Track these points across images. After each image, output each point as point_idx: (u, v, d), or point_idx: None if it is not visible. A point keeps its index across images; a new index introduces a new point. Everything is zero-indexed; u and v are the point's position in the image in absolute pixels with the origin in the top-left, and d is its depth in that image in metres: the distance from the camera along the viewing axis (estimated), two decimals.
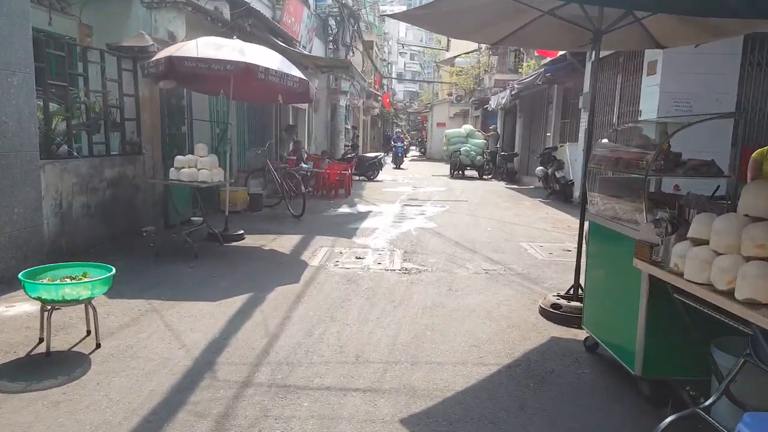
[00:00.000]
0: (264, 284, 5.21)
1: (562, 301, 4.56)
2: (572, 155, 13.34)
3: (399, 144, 25.01)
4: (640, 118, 8.99)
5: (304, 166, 12.47)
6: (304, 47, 13.91)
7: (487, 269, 6.13)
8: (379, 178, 17.97)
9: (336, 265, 6.10)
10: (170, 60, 6.17)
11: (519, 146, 18.85)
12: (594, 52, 4.56)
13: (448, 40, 36.64)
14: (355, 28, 18.47)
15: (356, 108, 26.77)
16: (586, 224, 4.19)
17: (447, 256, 6.73)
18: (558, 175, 12.60)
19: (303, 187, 9.14)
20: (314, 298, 4.87)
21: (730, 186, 4.08)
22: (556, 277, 5.89)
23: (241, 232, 7.33)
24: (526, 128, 18.49)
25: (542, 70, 12.62)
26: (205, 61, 6.17)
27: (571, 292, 4.68)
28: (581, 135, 11.90)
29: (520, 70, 21.09)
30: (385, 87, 45.45)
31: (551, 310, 4.50)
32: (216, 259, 6.22)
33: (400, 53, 67.05)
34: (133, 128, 7.13)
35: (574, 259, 4.72)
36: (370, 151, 25.66)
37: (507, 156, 18.36)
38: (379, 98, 31.44)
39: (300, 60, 11.64)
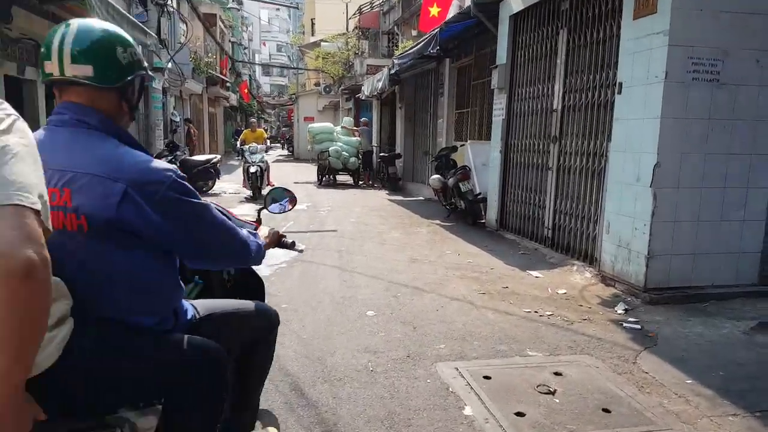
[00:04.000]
0: None
1: None
2: (478, 158, 9.51)
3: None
4: (618, 94, 5.18)
5: None
6: None
7: None
8: (216, 188, 13.00)
9: None
10: None
11: (402, 145, 14.89)
12: None
13: (313, 23, 32.15)
14: None
15: (196, 97, 21.26)
16: None
17: None
18: (463, 188, 8.67)
19: None
20: None
21: None
22: None
23: None
24: (409, 121, 14.57)
25: (436, 31, 8.63)
26: None
27: None
28: (498, 128, 8.04)
29: (396, 52, 17.23)
30: (244, 76, 39.93)
31: None
32: None
33: (262, 41, 61.41)
34: None
35: None
36: (216, 152, 20.33)
37: (388, 158, 14.30)
38: (228, 85, 25.97)
39: None
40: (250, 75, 49.51)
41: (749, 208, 4.86)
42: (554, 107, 6.65)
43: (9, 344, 0.99)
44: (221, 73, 23.54)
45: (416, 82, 13.72)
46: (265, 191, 11.04)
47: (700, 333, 4.14)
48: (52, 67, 1.43)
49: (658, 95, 4.60)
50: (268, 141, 15.41)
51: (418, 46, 9.47)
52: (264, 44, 64.07)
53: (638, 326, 4.27)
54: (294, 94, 32.04)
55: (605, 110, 5.61)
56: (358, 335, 3.99)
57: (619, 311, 4.62)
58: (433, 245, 7.30)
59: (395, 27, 19.75)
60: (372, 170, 15.75)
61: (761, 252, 4.94)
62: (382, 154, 14.69)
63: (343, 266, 6.04)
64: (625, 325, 4.30)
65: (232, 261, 1.85)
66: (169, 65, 14.65)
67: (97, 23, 1.50)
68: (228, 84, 25.73)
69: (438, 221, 9.19)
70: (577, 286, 5.39)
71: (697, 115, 4.63)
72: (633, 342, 3.98)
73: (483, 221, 8.71)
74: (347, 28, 24.73)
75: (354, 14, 22.14)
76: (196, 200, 1.50)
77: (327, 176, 15.67)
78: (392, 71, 11.30)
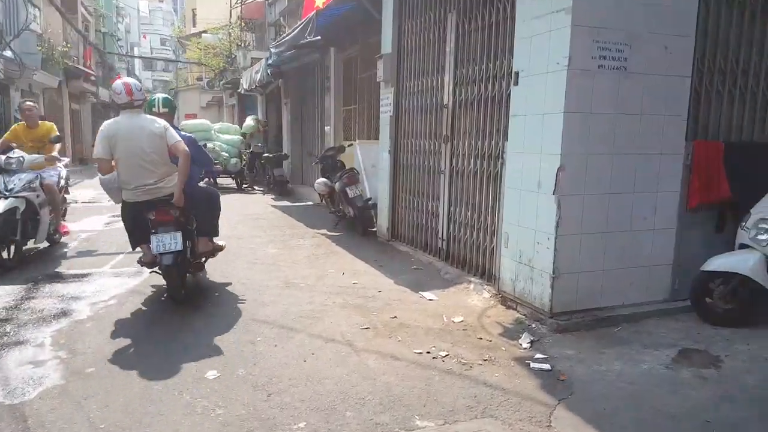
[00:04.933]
0: None
1: None
2: (367, 159, 8.61)
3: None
4: (515, 86, 4.43)
5: None
6: None
7: None
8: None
9: None
10: None
11: (289, 144, 13.68)
12: None
13: (194, 13, 29.78)
14: None
15: (53, 91, 18.53)
16: None
17: None
18: (351, 193, 7.70)
19: None
20: None
21: None
22: None
23: None
24: (296, 119, 13.41)
25: (313, 15, 7.57)
26: None
27: None
28: (386, 126, 7.16)
29: None
30: (120, 70, 36.58)
31: None
32: None
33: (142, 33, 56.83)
34: None
35: None
36: (81, 154, 17.77)
37: (273, 159, 13.01)
38: (94, 78, 23.12)
39: None
40: (128, 69, 45.64)
41: (659, 215, 4.31)
42: (445, 102, 5.85)
43: (184, 174, 4.39)
44: (85, 65, 20.78)
45: (302, 75, 12.58)
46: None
47: (619, 371, 3.45)
48: (155, 109, 4.86)
49: (561, 86, 3.88)
50: (57, 146, 6.58)
51: (294, 32, 8.36)
52: (145, 37, 59.31)
53: (548, 366, 3.51)
54: (173, 89, 29.40)
55: (500, 105, 4.88)
56: (183, 417, 2.84)
57: (525, 344, 3.85)
58: (314, 262, 6.25)
59: (281, 18, 18.44)
60: (261, 172, 14.37)
61: (673, 264, 4.42)
62: (266, 154, 13.35)
63: (194, 299, 4.81)
64: (532, 365, 3.52)
65: (208, 164, 5.39)
66: (7, 53, 12.34)
67: (165, 95, 5.20)
68: (94, 78, 22.85)
69: (325, 231, 8.15)
70: (476, 310, 4.60)
71: (603, 109, 3.98)
72: (544, 392, 3.19)
73: (375, 230, 7.80)
74: (231, 19, 22.93)
75: (236, 4, 20.47)
76: (198, 144, 5.12)
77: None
78: (270, 61, 10.08)
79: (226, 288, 5.17)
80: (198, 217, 4.85)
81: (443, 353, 3.69)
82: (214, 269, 5.71)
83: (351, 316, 4.41)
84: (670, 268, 4.43)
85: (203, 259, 5.17)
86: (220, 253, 5.42)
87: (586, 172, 4.04)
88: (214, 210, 5.14)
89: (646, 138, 4.14)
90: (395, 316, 4.42)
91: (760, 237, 3.98)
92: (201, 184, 5.34)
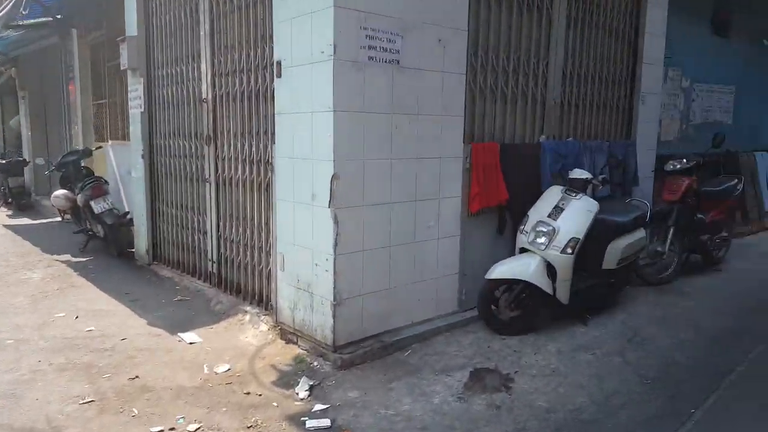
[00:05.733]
0: None
1: None
2: (123, 165, 7.16)
3: None
4: (278, 78, 3.68)
5: None
6: None
7: None
8: None
9: None
10: None
11: (30, 148, 11.11)
12: None
13: None
14: None
15: None
16: None
17: None
18: (97, 207, 6.21)
19: None
20: None
21: None
22: None
23: None
24: (38, 116, 10.93)
25: None
26: None
27: None
28: (137, 124, 5.86)
29: None
30: None
31: None
32: None
33: None
34: None
35: None
36: None
37: (8, 166, 10.34)
38: None
39: None
40: None
41: (443, 222, 3.96)
42: (204, 96, 4.86)
43: None
44: None
45: (42, 63, 10.21)
46: None
47: (409, 413, 2.93)
48: None
49: (328, 79, 3.24)
50: None
51: (7, 9, 6.49)
52: None
53: (327, 421, 2.84)
54: None
55: (266, 100, 4.08)
56: None
57: (302, 393, 3.13)
58: (40, 303, 4.75)
59: None
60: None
61: (459, 272, 4.12)
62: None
63: None
64: (309, 424, 2.81)
65: None
66: None
67: None
68: None
69: (68, 256, 6.48)
70: (248, 351, 3.76)
71: (379, 107, 3.44)
72: None
73: (132, 252, 6.41)
74: None
75: None
76: None
77: None
78: None
79: None
80: None
81: (193, 426, 2.78)
82: None
83: (71, 384, 3.22)
84: (457, 278, 4.13)
85: None
86: None
87: (365, 180, 3.47)
88: None
89: (425, 140, 3.74)
90: (136, 376, 3.35)
91: (538, 240, 3.86)
92: None
